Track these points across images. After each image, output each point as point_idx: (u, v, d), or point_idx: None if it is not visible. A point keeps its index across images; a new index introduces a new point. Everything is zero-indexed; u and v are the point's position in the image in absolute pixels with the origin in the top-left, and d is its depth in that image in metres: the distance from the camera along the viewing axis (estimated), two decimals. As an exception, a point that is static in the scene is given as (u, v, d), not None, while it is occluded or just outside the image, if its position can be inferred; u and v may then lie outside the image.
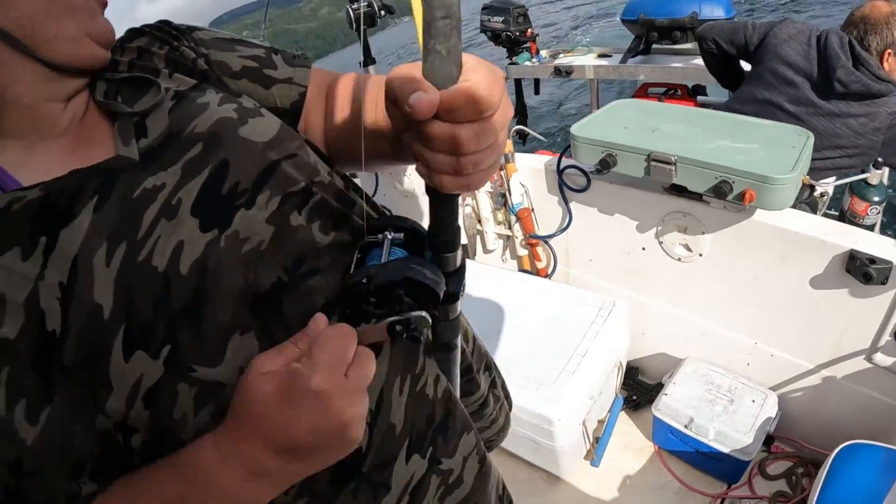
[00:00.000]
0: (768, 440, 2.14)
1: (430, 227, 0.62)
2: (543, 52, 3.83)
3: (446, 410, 0.80)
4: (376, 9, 2.23)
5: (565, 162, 2.12)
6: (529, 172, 2.26)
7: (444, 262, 0.63)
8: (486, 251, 2.57)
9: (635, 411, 2.33)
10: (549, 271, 2.39)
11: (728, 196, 1.62)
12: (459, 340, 0.81)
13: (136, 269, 0.51)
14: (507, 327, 2.13)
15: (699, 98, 3.39)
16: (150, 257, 0.52)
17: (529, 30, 3.67)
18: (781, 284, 1.82)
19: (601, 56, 3.65)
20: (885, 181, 1.90)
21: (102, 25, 0.57)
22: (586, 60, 3.61)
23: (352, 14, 2.19)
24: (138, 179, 0.54)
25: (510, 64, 3.75)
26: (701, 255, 1.96)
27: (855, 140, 2.01)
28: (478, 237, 2.54)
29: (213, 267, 0.54)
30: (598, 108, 4.00)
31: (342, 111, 0.75)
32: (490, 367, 1.15)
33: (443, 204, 0.59)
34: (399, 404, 0.71)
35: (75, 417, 0.50)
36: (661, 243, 2.04)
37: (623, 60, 3.36)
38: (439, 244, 0.62)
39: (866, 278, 1.56)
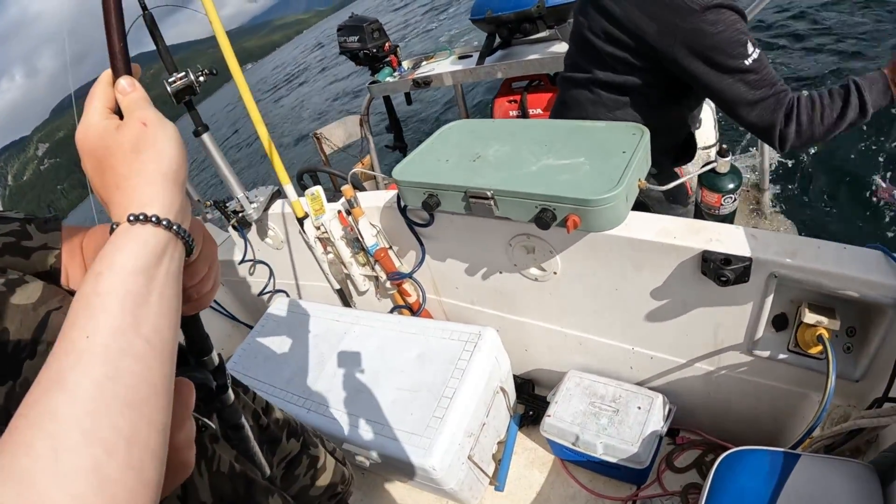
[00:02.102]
0: (672, 432, 1.97)
1: (186, 342, 0.74)
2: (405, 63, 3.53)
3: (247, 481, 0.92)
4: (193, 78, 1.95)
5: (406, 198, 1.88)
6: (377, 212, 2.01)
7: (205, 364, 0.77)
8: (359, 294, 2.32)
9: (536, 425, 2.13)
10: (421, 304, 2.15)
11: (551, 225, 1.39)
12: (244, 420, 0.92)
13: None
14: (381, 376, 1.90)
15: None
16: None
17: (387, 43, 3.37)
18: (642, 291, 1.62)
19: (462, 57, 3.38)
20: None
21: None
22: (447, 66, 3.33)
23: (169, 89, 1.92)
24: None
25: (371, 83, 3.45)
26: (555, 273, 1.74)
27: None
28: (348, 282, 2.28)
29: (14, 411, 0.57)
30: (465, 111, 3.78)
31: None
32: (296, 431, 1.24)
33: (188, 325, 0.73)
34: (203, 484, 0.82)
35: None
36: (515, 265, 1.81)
37: (480, 61, 3.09)
38: (196, 352, 0.76)
39: (722, 281, 1.36)
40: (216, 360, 0.79)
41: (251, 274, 2.61)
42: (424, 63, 3.52)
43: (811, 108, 1.47)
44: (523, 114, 3.15)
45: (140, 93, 0.59)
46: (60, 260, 0.78)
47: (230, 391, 0.85)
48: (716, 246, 1.39)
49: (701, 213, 1.68)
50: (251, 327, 2.85)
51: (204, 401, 0.81)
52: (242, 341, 2.30)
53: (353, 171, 2.02)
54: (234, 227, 2.38)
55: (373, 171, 3.54)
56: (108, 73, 0.60)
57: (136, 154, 0.54)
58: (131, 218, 0.52)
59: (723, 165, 1.55)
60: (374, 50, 3.31)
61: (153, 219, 0.52)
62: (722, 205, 1.61)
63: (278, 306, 2.33)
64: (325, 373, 1.99)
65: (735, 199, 1.62)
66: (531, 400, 2.21)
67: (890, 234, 3.45)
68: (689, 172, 1.73)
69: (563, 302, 1.83)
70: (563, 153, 1.51)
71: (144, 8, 1.95)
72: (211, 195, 2.45)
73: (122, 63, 0.59)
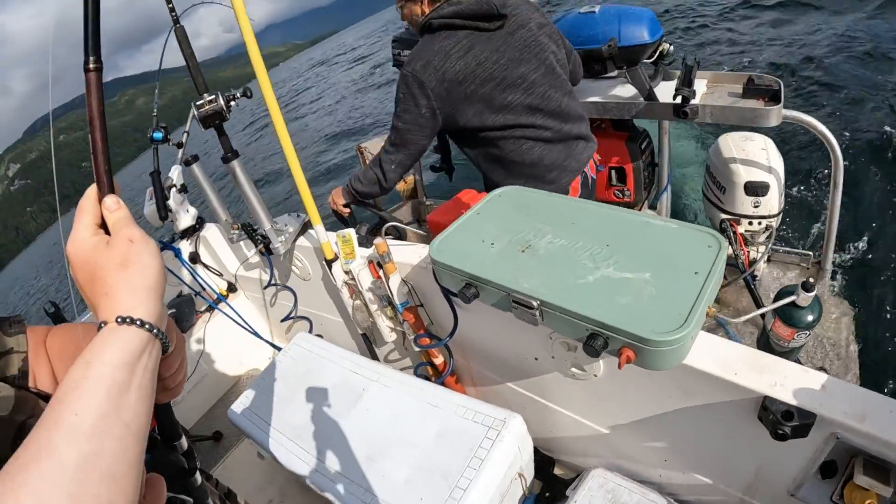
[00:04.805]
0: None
1: (158, 427, 0.79)
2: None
3: None
4: (223, 102, 1.76)
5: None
6: (411, 269, 1.81)
7: (175, 448, 0.82)
8: (383, 342, 2.13)
9: (551, 506, 1.94)
10: (448, 366, 1.96)
11: (601, 352, 1.18)
12: (211, 501, 0.93)
13: None
14: (395, 448, 1.72)
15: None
16: None
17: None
18: (687, 416, 1.41)
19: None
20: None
21: None
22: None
23: (197, 114, 1.75)
24: None
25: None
26: (596, 376, 1.53)
27: None
28: (374, 329, 2.09)
29: None
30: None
31: (60, 360, 0.82)
32: None
33: (161, 413, 0.78)
34: None
35: None
36: (552, 358, 1.60)
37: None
38: (167, 437, 0.81)
39: (779, 435, 1.14)
40: (185, 444, 0.85)
41: (275, 298, 2.46)
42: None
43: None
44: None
45: (125, 211, 0.66)
46: (27, 363, 0.79)
47: (198, 474, 0.91)
48: (779, 392, 1.17)
49: (769, 342, 1.44)
50: (270, 343, 2.70)
51: (176, 479, 0.85)
52: (259, 363, 2.15)
53: (388, 224, 1.82)
54: (261, 253, 2.21)
55: (415, 192, 3.33)
56: (93, 189, 0.66)
57: (123, 268, 0.61)
58: (119, 320, 0.58)
59: (805, 300, 1.31)
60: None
61: (137, 322, 0.59)
62: (794, 339, 1.37)
63: (298, 343, 2.16)
64: (337, 431, 1.82)
65: (808, 335, 1.38)
66: (549, 479, 2.02)
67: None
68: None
69: (599, 402, 1.62)
70: (626, 262, 1.28)
71: (176, 22, 1.78)
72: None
73: (106, 182, 0.66)
